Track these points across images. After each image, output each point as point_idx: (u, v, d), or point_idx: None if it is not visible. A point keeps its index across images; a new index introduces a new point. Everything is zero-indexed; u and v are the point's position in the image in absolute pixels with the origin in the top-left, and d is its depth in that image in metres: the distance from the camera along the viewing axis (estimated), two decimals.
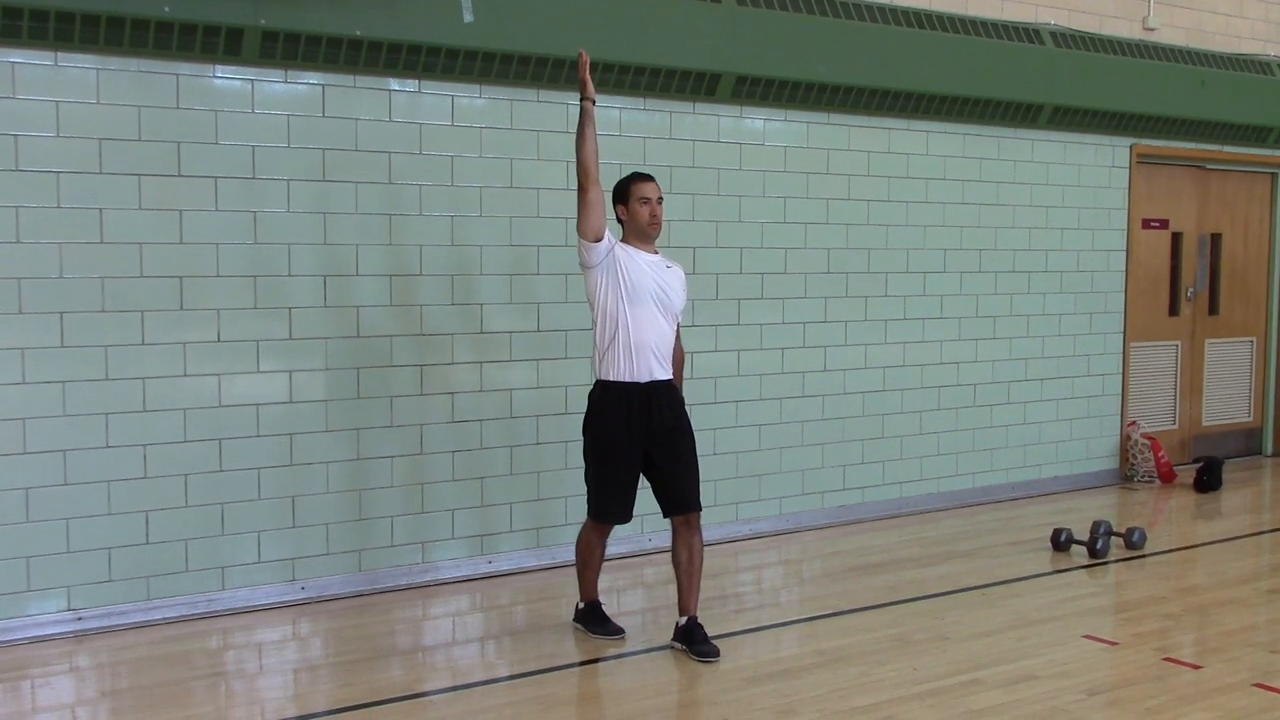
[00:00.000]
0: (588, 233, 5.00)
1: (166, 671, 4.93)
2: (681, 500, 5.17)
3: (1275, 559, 7.16)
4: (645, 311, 5.06)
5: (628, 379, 5.06)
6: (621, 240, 5.16)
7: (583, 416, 5.24)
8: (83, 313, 5.32)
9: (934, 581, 6.29)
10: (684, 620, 5.16)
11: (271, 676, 5.01)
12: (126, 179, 5.39)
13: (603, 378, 5.13)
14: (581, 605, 5.45)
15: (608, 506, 5.21)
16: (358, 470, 6.00)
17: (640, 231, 5.16)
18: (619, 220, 5.21)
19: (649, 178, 5.22)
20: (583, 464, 5.30)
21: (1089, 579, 6.53)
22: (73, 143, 5.27)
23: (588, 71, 5.02)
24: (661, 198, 5.21)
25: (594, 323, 5.15)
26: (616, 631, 5.35)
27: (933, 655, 5.13)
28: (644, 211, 5.13)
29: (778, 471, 7.36)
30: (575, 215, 5.07)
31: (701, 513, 5.23)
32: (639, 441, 5.10)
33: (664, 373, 5.15)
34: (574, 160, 5.04)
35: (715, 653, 5.06)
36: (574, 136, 5.01)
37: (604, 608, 5.44)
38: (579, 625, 5.45)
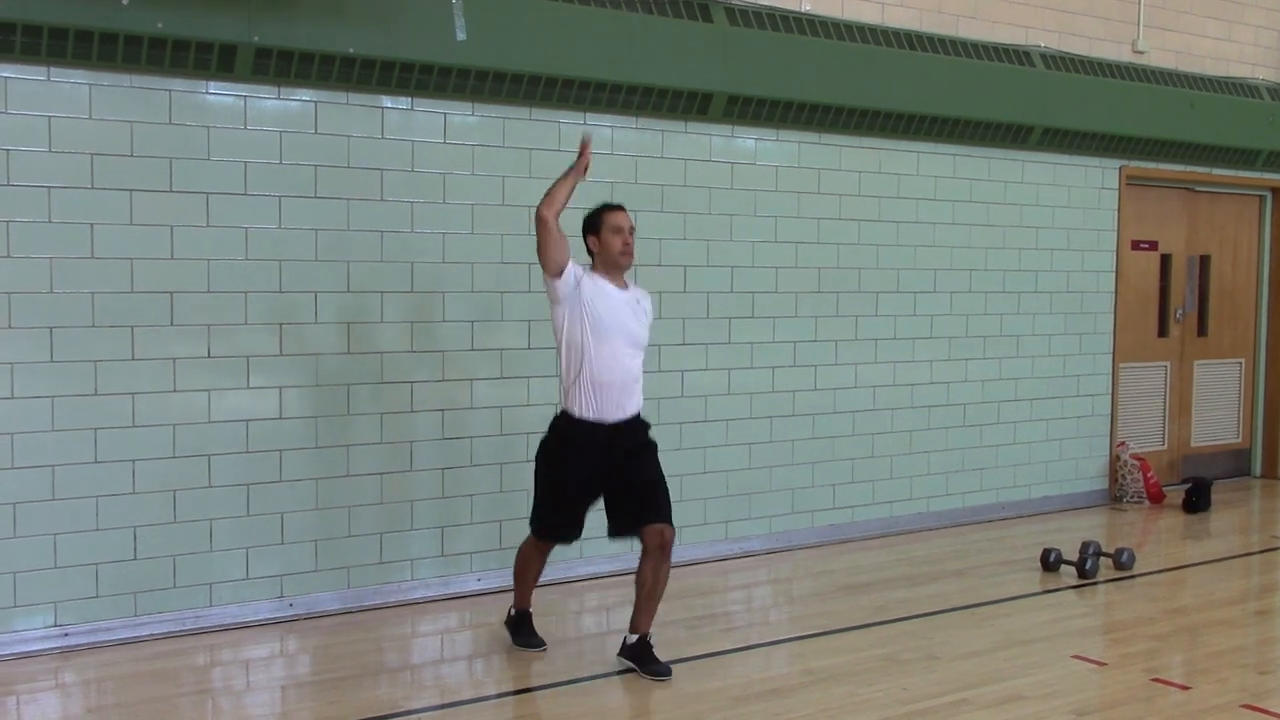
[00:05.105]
0: (551, 265, 4.93)
1: (153, 688, 4.91)
2: (653, 508, 5.05)
3: (1263, 580, 7.18)
4: (611, 346, 4.99)
5: (594, 418, 5.02)
6: (591, 270, 5.11)
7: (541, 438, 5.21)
8: (72, 328, 5.31)
9: (923, 601, 6.29)
10: (634, 639, 5.13)
11: (258, 694, 4.99)
12: (118, 194, 5.39)
13: (569, 410, 5.07)
14: (513, 612, 5.48)
15: (551, 530, 5.25)
16: (347, 487, 5.99)
17: (612, 262, 5.09)
18: (589, 251, 5.15)
19: (620, 207, 5.17)
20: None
21: (1078, 599, 6.53)
22: (64, 158, 5.27)
23: (589, 152, 5.02)
24: (634, 228, 5.17)
25: (559, 354, 5.09)
26: (538, 644, 5.41)
27: (921, 675, 5.13)
28: (616, 241, 5.06)
29: (768, 490, 7.36)
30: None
31: (674, 537, 5.12)
32: (600, 474, 5.06)
33: (634, 406, 5.11)
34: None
35: (668, 671, 5.05)
36: (562, 163, 4.97)
37: (533, 621, 5.47)
38: (507, 630, 5.49)
